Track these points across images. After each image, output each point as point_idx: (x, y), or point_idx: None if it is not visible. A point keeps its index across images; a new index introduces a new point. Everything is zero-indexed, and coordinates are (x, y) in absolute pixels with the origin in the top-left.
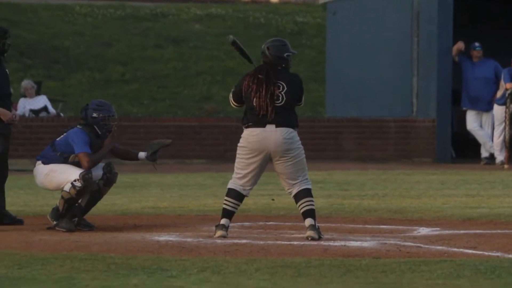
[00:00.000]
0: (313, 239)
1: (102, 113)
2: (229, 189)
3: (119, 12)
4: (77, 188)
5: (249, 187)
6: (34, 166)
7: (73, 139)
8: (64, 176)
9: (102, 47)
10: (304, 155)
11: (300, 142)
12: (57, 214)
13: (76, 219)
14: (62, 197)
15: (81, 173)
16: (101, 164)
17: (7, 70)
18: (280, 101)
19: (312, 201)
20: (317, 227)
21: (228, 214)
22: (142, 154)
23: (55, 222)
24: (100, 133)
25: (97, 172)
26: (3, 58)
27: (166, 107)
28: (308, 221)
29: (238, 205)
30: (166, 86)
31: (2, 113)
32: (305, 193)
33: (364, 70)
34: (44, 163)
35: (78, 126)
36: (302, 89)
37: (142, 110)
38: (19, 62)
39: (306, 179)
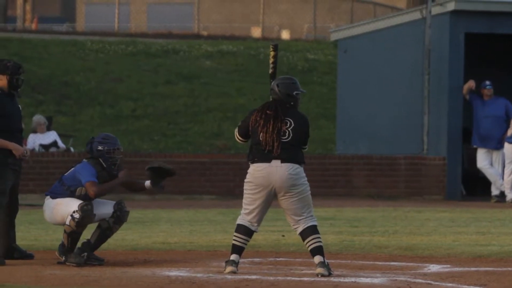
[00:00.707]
0: (323, 275)
1: (107, 146)
2: (238, 225)
3: (130, 48)
4: (76, 220)
5: (256, 223)
6: (44, 201)
7: (80, 172)
8: (66, 208)
9: (113, 83)
10: (309, 192)
11: (305, 178)
12: (64, 249)
13: (85, 254)
14: (65, 231)
15: (79, 204)
16: (112, 202)
17: (19, 105)
18: (286, 137)
19: (319, 237)
20: (326, 263)
21: (237, 249)
22: (148, 183)
23: (63, 258)
24: (105, 165)
25: (108, 210)
26: (16, 93)
27: (177, 143)
28: (317, 258)
29: (248, 241)
30: (176, 122)
31: (14, 148)
32: (312, 230)
33: (375, 107)
34: (52, 197)
35: (84, 160)
36: (308, 132)
37: (153, 146)
38: (30, 98)
39: (311, 215)
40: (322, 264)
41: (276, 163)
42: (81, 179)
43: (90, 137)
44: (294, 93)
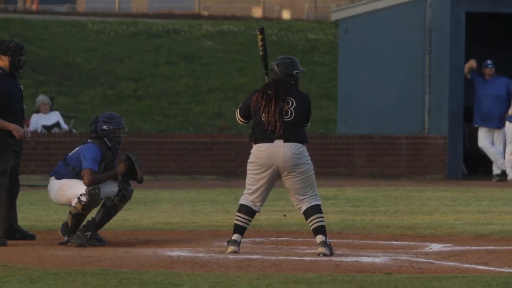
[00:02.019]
0: (324, 255)
1: (112, 126)
2: (241, 204)
3: (131, 28)
4: (83, 203)
5: (260, 203)
6: (48, 182)
7: (83, 154)
8: (73, 190)
9: (114, 63)
10: (313, 171)
11: (309, 157)
12: (67, 229)
13: (89, 233)
14: (70, 212)
15: (87, 188)
16: (116, 181)
17: (21, 86)
18: (288, 116)
19: (322, 217)
20: (328, 243)
21: (239, 229)
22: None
23: (66, 237)
24: (110, 145)
25: (112, 189)
26: (17, 74)
27: (178, 123)
28: (319, 238)
29: (250, 221)
30: (177, 102)
31: (15, 129)
32: (315, 210)
33: (376, 87)
34: (57, 178)
35: (89, 140)
36: (310, 110)
37: (154, 127)
38: (31, 78)
39: (315, 195)
40: (324, 243)
41: (279, 142)
42: (83, 162)
43: (93, 117)
44: (294, 72)
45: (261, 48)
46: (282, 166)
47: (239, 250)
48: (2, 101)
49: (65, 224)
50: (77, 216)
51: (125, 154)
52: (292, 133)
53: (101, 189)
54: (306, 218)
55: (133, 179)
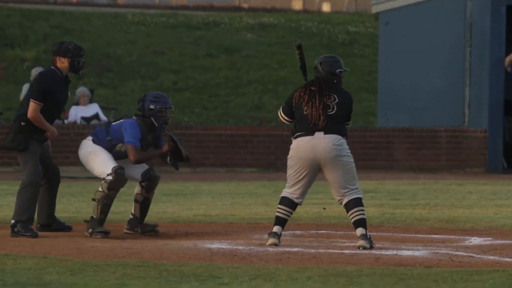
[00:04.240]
0: (364, 248)
1: (159, 105)
2: (282, 197)
3: (171, 20)
4: (108, 181)
5: (300, 196)
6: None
7: (126, 128)
8: (101, 164)
9: (154, 55)
10: (353, 164)
11: (349, 150)
12: (93, 221)
13: (138, 228)
14: (95, 199)
15: (114, 167)
16: (143, 166)
17: (69, 92)
18: (331, 110)
19: (363, 210)
20: (368, 236)
21: (280, 221)
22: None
23: (90, 231)
24: (156, 125)
25: (137, 174)
26: (77, 75)
27: (218, 115)
28: (360, 231)
29: (291, 213)
30: (217, 94)
31: (51, 131)
32: (356, 203)
33: (416, 80)
34: (94, 141)
35: (134, 117)
36: (352, 108)
37: (194, 119)
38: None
39: (357, 188)
40: (364, 236)
41: (319, 134)
42: (125, 136)
43: (131, 110)
44: (337, 71)
45: (299, 61)
46: (324, 158)
47: (279, 242)
48: (50, 104)
49: (91, 218)
50: (103, 200)
51: (168, 135)
52: (333, 126)
53: (127, 171)
54: (347, 211)
55: (180, 160)
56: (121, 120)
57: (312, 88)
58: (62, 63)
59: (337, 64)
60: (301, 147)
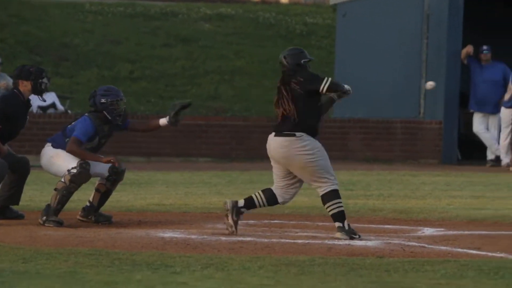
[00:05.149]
0: (340, 239)
1: (110, 98)
2: (267, 188)
3: (129, 10)
4: (71, 174)
5: (281, 196)
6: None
7: (78, 126)
8: (65, 164)
9: (111, 45)
10: (312, 160)
11: (303, 149)
12: (48, 210)
13: (91, 216)
14: (56, 189)
15: (79, 161)
16: (107, 164)
17: (28, 116)
18: (286, 107)
19: (334, 204)
20: (346, 227)
21: (250, 202)
22: (163, 120)
23: (44, 218)
24: (110, 118)
25: (102, 171)
26: (40, 98)
27: None
28: (336, 224)
29: (264, 204)
30: (174, 84)
31: (2, 150)
32: (327, 197)
33: (373, 71)
34: (53, 146)
35: (86, 114)
36: (314, 82)
37: (150, 108)
38: (28, 59)
39: (325, 182)
40: (339, 228)
41: (271, 135)
42: (74, 132)
43: (87, 99)
44: (302, 61)
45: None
46: (276, 159)
47: (235, 217)
48: (8, 127)
49: (47, 206)
50: (63, 191)
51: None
52: (285, 126)
53: (92, 168)
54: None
55: (183, 106)
56: (76, 121)
57: (278, 85)
58: (25, 86)
59: (302, 55)
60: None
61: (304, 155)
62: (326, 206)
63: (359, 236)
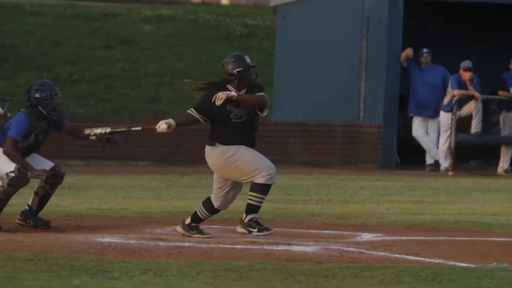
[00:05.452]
0: (239, 233)
1: (44, 93)
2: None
3: (69, 11)
4: (9, 177)
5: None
6: None
7: (12, 122)
8: (4, 166)
9: (51, 46)
10: (233, 162)
11: (218, 156)
12: None
13: (30, 220)
14: None
15: (16, 166)
16: (50, 163)
17: None
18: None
19: (251, 196)
20: (252, 220)
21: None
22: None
23: None
24: (45, 112)
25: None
26: None
27: (114, 108)
28: (248, 216)
29: (207, 215)
30: (114, 87)
31: None
32: (256, 187)
33: (313, 74)
34: None
35: (22, 109)
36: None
37: (89, 111)
38: None
39: (254, 176)
40: (241, 221)
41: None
42: (9, 130)
43: (27, 87)
44: (235, 71)
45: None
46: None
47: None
48: None
49: None
50: (0, 196)
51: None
52: (210, 134)
53: (35, 166)
54: None
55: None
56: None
57: None
58: None
59: (234, 64)
60: None
61: (218, 160)
62: (249, 193)
63: (259, 230)
